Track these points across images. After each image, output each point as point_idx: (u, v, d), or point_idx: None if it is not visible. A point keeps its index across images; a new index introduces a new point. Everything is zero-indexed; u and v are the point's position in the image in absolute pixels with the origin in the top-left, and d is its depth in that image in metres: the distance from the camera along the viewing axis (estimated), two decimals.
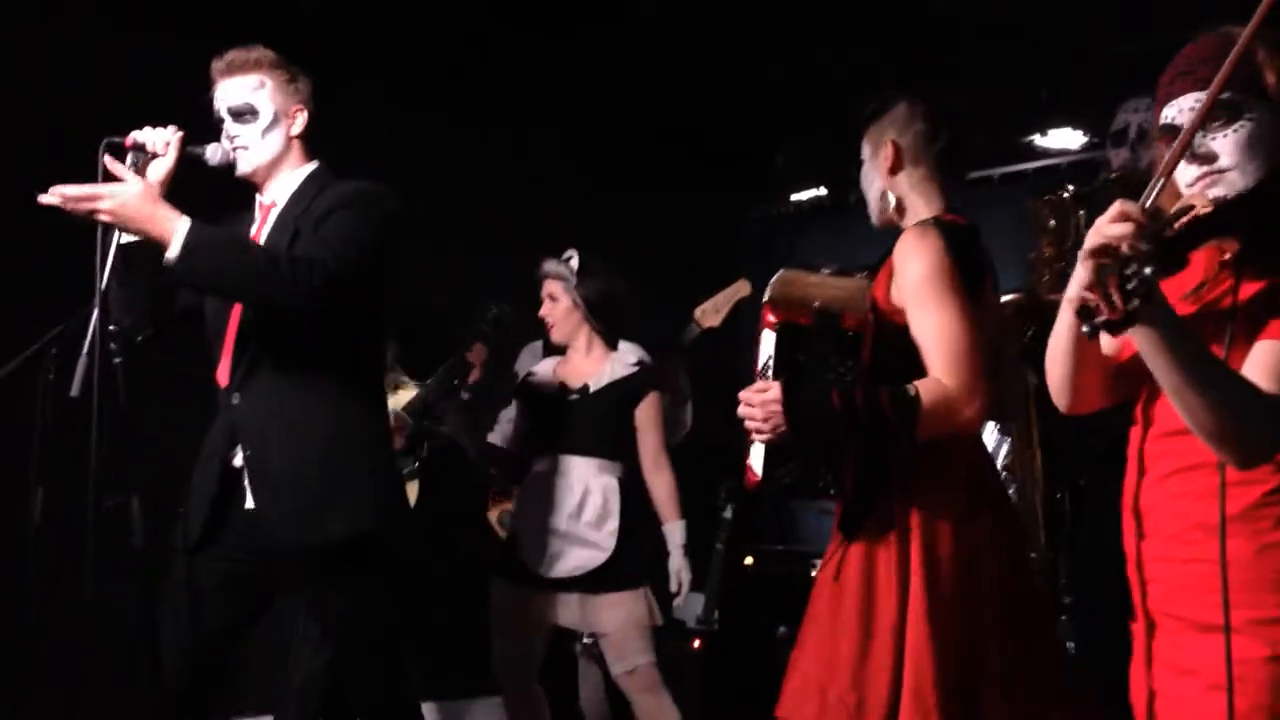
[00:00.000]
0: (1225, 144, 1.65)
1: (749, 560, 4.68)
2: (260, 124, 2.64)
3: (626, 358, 3.70)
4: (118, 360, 2.68)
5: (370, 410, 2.69)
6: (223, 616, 2.56)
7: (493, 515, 4.43)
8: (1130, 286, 1.35)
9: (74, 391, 2.34)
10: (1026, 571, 2.35)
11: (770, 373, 2.26)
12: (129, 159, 2.53)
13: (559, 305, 3.71)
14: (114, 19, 3.96)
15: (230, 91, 2.63)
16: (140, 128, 2.57)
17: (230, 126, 2.64)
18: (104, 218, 2.34)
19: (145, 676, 2.69)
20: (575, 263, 3.70)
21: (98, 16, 3.95)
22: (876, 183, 2.46)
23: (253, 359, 2.56)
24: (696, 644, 4.39)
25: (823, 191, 5.89)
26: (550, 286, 3.72)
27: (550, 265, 3.72)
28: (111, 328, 2.46)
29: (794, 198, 6.01)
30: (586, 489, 3.54)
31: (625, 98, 5.07)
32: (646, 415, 3.69)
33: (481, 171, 4.90)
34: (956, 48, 4.43)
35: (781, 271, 2.39)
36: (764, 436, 2.24)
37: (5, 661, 3.30)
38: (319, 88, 2.76)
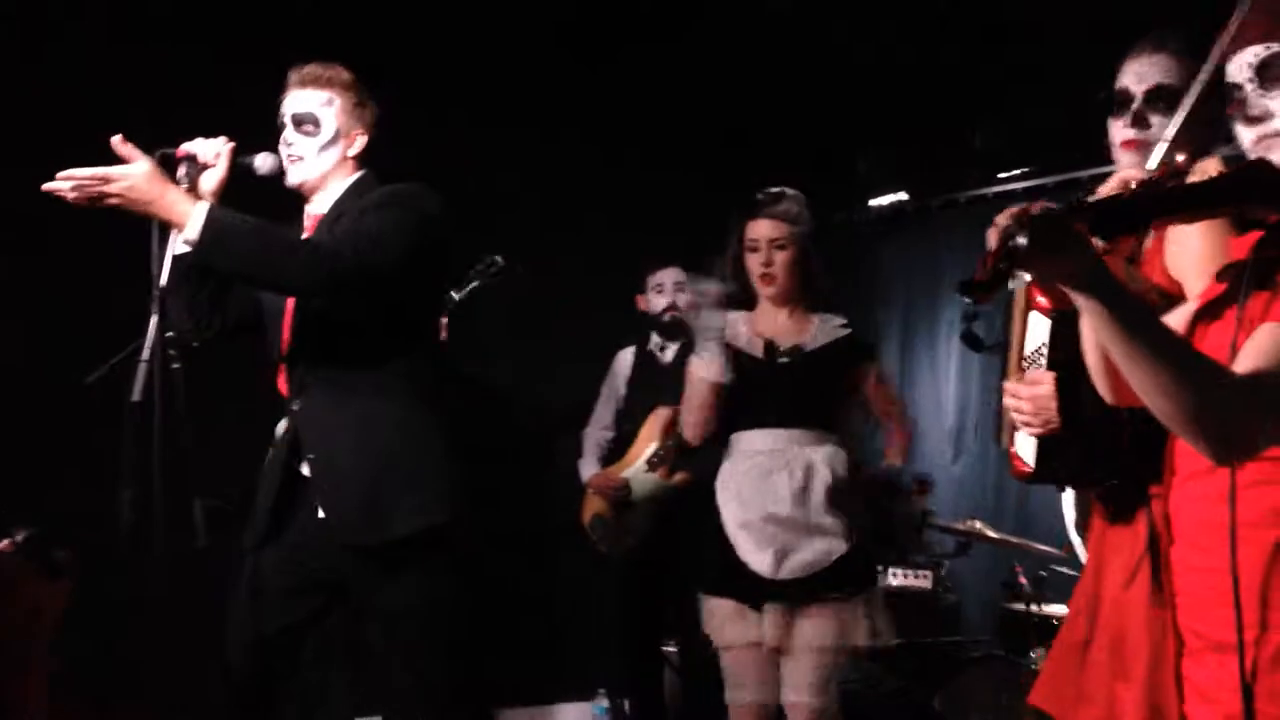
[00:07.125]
0: None
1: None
2: (320, 138, 2.66)
3: (833, 319, 3.19)
4: (176, 366, 2.71)
5: (429, 407, 2.67)
6: (284, 619, 2.60)
7: (587, 518, 4.22)
8: (1005, 249, 1.36)
9: (135, 396, 2.37)
10: None
11: (1043, 361, 2.06)
12: (181, 170, 2.55)
13: (785, 254, 3.11)
14: (164, 34, 4.03)
15: (298, 100, 2.66)
16: (191, 139, 2.58)
17: (289, 134, 2.66)
18: (114, 201, 2.34)
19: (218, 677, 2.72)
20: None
21: (149, 32, 4.02)
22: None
23: (308, 367, 2.60)
24: None
25: (904, 196, 5.78)
26: (774, 229, 3.10)
27: (778, 205, 3.12)
28: (169, 334, 2.48)
29: (873, 203, 5.91)
30: (810, 466, 3.01)
31: (703, 105, 5.02)
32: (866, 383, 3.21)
33: (566, 182, 4.91)
34: (1042, 48, 4.32)
35: None
36: (1034, 431, 2.04)
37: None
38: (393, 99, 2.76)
